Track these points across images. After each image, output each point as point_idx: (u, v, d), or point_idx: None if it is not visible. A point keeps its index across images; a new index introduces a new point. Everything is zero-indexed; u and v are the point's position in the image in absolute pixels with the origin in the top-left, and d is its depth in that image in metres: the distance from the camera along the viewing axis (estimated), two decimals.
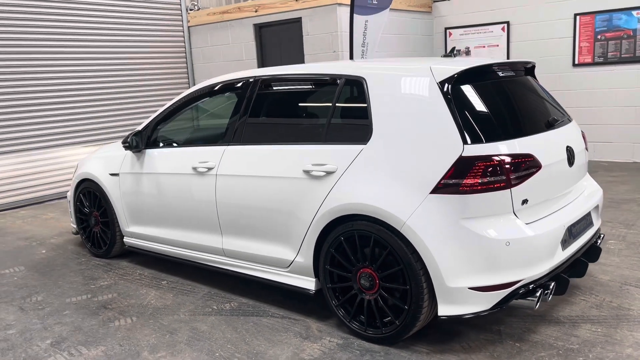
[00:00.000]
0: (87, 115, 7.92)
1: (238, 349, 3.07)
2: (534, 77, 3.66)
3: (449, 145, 2.77)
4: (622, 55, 7.59)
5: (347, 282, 3.13)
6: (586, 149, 3.51)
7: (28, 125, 7.30)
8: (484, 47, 8.79)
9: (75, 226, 5.07)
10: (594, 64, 7.83)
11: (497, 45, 8.65)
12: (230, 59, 8.79)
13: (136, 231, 4.45)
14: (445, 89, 2.89)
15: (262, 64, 8.47)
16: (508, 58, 8.53)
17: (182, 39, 9.15)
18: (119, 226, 4.61)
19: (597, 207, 3.42)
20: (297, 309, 3.54)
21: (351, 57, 6.99)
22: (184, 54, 9.20)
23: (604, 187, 6.36)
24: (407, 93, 2.99)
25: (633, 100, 7.59)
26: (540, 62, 8.25)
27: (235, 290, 3.92)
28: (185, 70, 9.27)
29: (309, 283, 3.34)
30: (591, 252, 3.39)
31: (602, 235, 3.58)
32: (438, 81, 2.92)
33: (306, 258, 3.29)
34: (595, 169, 7.46)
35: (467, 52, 8.98)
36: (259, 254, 3.54)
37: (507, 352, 2.90)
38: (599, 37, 7.73)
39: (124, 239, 4.63)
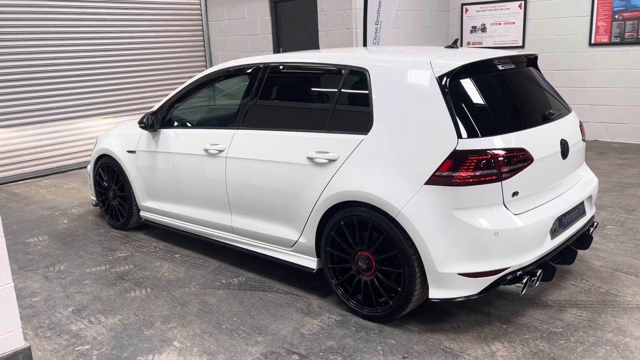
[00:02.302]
0: (107, 88, 8.14)
1: (243, 322, 3.32)
2: (537, 68, 3.73)
3: (444, 138, 2.91)
4: (639, 36, 7.50)
5: (346, 263, 3.33)
6: (583, 140, 3.61)
7: (50, 97, 7.54)
8: (500, 24, 8.73)
9: (94, 198, 5.34)
10: (610, 44, 7.75)
11: (514, 23, 8.58)
12: (246, 33, 8.87)
13: (151, 206, 4.70)
14: (443, 83, 3.01)
15: (277, 39, 8.55)
16: (524, 35, 8.48)
17: (199, 12, 9.24)
18: (135, 200, 4.86)
19: (590, 197, 3.54)
20: (300, 285, 3.77)
21: (365, 35, 7.04)
22: (201, 27, 9.30)
23: (612, 169, 6.42)
24: (407, 86, 3.11)
25: None
26: (556, 41, 8.19)
27: (243, 265, 4.16)
28: (202, 43, 9.39)
29: (311, 262, 3.55)
30: (583, 240, 3.54)
31: (595, 224, 3.70)
32: (437, 75, 3.03)
33: (309, 239, 3.49)
34: (606, 150, 7.49)
35: (483, 29, 8.93)
36: (266, 233, 3.75)
37: (494, 333, 3.09)
38: (616, 16, 7.63)
39: (140, 213, 4.88)
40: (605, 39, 7.79)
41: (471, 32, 9.08)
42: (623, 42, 7.65)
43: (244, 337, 3.15)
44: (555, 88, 8.10)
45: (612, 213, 4.93)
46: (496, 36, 8.82)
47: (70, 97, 7.76)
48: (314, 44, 8.06)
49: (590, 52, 7.95)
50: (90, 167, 5.33)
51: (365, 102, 3.26)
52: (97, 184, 5.24)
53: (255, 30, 8.72)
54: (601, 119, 8.05)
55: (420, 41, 8.73)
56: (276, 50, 8.63)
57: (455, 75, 3.05)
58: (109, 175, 5.07)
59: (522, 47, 8.52)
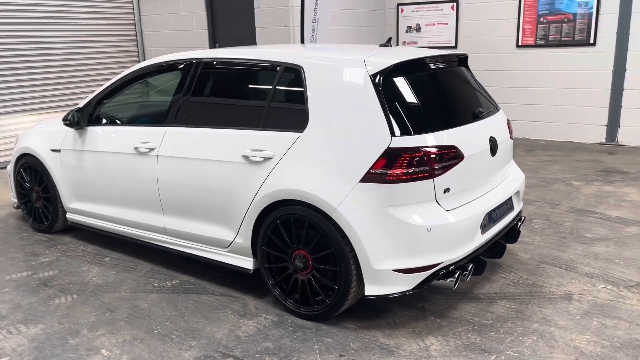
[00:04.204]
0: (30, 83, 7.68)
1: (176, 326, 3.21)
2: (468, 67, 3.83)
3: (377, 136, 2.93)
4: (562, 39, 7.90)
5: (283, 262, 3.29)
6: (511, 137, 3.74)
7: None
8: (434, 24, 8.96)
9: (16, 200, 5.02)
10: (536, 45, 8.13)
11: (447, 24, 8.82)
12: (181, 28, 8.64)
13: (79, 207, 4.46)
14: (377, 82, 3.02)
15: (213, 35, 8.38)
16: (457, 36, 8.74)
17: (131, 5, 8.90)
18: (61, 202, 4.60)
19: (518, 192, 3.68)
20: (237, 286, 3.69)
21: (302, 32, 7.02)
22: (133, 21, 8.96)
23: (539, 166, 6.73)
24: (341, 84, 3.11)
25: (570, 82, 7.96)
26: (487, 42, 8.50)
27: (177, 267, 4.03)
28: (135, 37, 9.06)
29: (247, 263, 3.48)
30: (511, 234, 3.67)
31: (522, 218, 3.86)
32: (371, 74, 3.04)
33: (245, 239, 3.42)
34: (533, 147, 7.85)
35: (418, 29, 9.13)
36: (200, 234, 3.65)
37: (428, 327, 3.14)
38: (541, 19, 8.00)
39: (67, 215, 4.64)
40: (531, 41, 8.15)
41: (407, 31, 9.26)
42: (547, 44, 8.03)
43: (177, 342, 3.04)
44: (485, 87, 8.36)
45: (539, 207, 5.16)
46: (430, 36, 9.04)
47: None
48: (251, 41, 7.95)
49: (518, 53, 8.30)
50: (10, 167, 5.00)
51: (300, 99, 3.23)
52: (19, 185, 4.92)
53: (191, 25, 8.51)
54: (528, 118, 8.42)
55: (357, 40, 8.81)
56: (212, 46, 8.45)
57: (389, 73, 3.08)
58: (32, 176, 4.78)
59: (455, 47, 8.78)
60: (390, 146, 2.89)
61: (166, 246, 3.91)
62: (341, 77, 3.12)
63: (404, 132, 2.94)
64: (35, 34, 7.64)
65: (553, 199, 5.41)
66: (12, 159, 4.93)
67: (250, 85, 3.74)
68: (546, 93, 8.19)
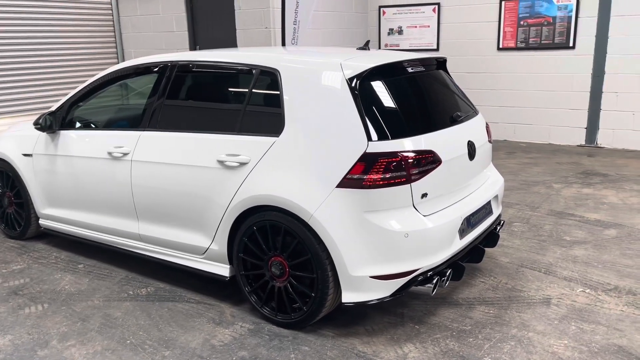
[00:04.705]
0: (5, 85, 7.52)
1: (150, 336, 3.13)
2: (446, 71, 3.80)
3: (354, 141, 2.88)
4: (542, 42, 7.96)
5: (260, 269, 3.23)
6: (489, 141, 3.72)
7: None
8: (416, 27, 8.96)
9: None
10: (516, 48, 8.17)
11: (429, 26, 8.84)
12: (160, 29, 8.53)
13: (52, 213, 4.36)
14: (353, 85, 2.98)
15: (193, 36, 8.29)
16: (438, 39, 8.75)
17: (110, 6, 8.77)
18: (33, 208, 4.49)
19: (497, 196, 3.66)
20: (213, 294, 3.62)
21: (283, 34, 6.97)
22: (112, 22, 8.83)
23: (519, 168, 6.75)
24: (318, 87, 3.06)
25: (550, 85, 8.01)
26: (468, 45, 8.52)
27: (153, 274, 3.95)
28: (114, 39, 8.93)
29: (223, 270, 3.41)
30: (490, 238, 3.65)
31: (502, 222, 3.84)
32: (347, 77, 3.00)
33: (221, 246, 3.35)
34: (514, 149, 7.88)
35: (400, 32, 9.13)
36: (175, 240, 3.57)
37: (407, 334, 3.11)
38: (521, 22, 8.05)
39: (40, 221, 4.52)
40: (512, 44, 8.19)
41: (389, 34, 9.26)
42: (528, 47, 8.08)
43: (150, 352, 2.96)
44: (466, 90, 8.38)
45: (519, 210, 5.17)
46: (412, 39, 9.05)
47: None
48: (232, 43, 7.87)
49: (499, 56, 8.33)
50: None
51: (276, 103, 3.17)
52: None
53: (171, 27, 8.40)
54: (509, 120, 8.46)
55: (340, 42, 8.78)
56: (192, 48, 8.36)
57: (366, 77, 3.03)
58: (3, 181, 4.65)
59: (437, 49, 8.80)
60: (367, 151, 2.85)
61: (141, 253, 3.82)
62: (317, 80, 3.07)
63: (381, 136, 2.91)
64: (8, 34, 7.48)
65: (533, 202, 5.42)
66: None
67: (225, 89, 3.68)
68: (527, 95, 8.24)
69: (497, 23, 8.22)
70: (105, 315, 3.38)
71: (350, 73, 3.01)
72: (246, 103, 3.30)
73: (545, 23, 7.88)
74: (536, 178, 6.32)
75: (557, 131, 8.12)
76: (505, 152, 7.75)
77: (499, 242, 4.22)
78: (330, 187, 2.90)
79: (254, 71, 3.32)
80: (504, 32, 8.20)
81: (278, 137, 3.10)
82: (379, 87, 3.09)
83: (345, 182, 2.87)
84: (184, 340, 3.07)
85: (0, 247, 4.56)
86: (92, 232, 4.10)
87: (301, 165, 3.00)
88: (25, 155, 4.39)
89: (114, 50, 8.94)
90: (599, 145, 7.84)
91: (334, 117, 2.97)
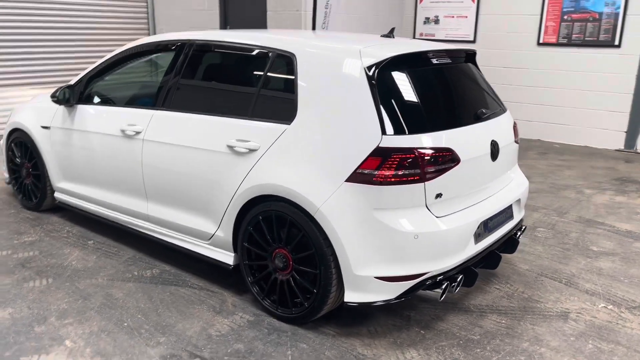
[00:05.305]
0: (37, 56, 7.58)
1: (148, 320, 3.07)
2: (475, 64, 3.59)
3: (367, 134, 2.73)
4: (586, 38, 7.56)
5: (263, 260, 3.13)
6: (516, 141, 3.51)
7: None
8: (453, 17, 8.65)
9: (7, 176, 4.93)
10: (557, 44, 7.79)
11: (466, 17, 8.51)
12: (192, 7, 8.45)
13: (66, 187, 4.35)
14: (371, 74, 2.82)
15: (224, 16, 8.18)
16: (476, 30, 8.43)
17: None
18: (49, 180, 4.49)
19: (519, 200, 3.45)
20: (217, 281, 3.55)
21: (314, 18, 6.81)
22: None
23: (550, 170, 6.46)
24: (334, 75, 2.91)
25: (591, 85, 7.63)
26: (506, 38, 8.18)
27: (160, 256, 3.89)
28: (146, 15, 8.90)
29: (228, 257, 3.32)
30: (508, 244, 3.45)
31: (523, 227, 3.64)
32: (366, 66, 2.84)
33: (226, 233, 3.26)
34: (547, 150, 7.56)
35: (436, 21, 8.83)
36: (182, 224, 3.50)
37: (411, 339, 2.96)
38: (565, 17, 7.66)
39: (55, 194, 4.52)
40: (553, 39, 7.82)
41: (424, 23, 8.97)
42: (570, 44, 7.69)
43: (145, 337, 2.90)
44: (501, 85, 8.06)
45: (545, 215, 4.92)
46: (448, 29, 8.74)
47: None
48: (262, 24, 7.74)
49: (538, 51, 7.97)
50: (2, 142, 4.91)
51: (290, 89, 3.04)
52: (10, 160, 4.82)
53: (202, 4, 8.31)
54: (544, 119, 8.12)
55: (372, 29, 8.54)
56: (223, 27, 8.25)
57: (385, 66, 2.86)
58: (22, 152, 4.67)
59: (473, 41, 8.48)
60: (380, 145, 2.70)
61: (148, 233, 3.77)
62: (334, 67, 2.92)
63: (397, 131, 2.74)
64: (42, 6, 7.51)
65: (561, 207, 5.16)
66: (5, 133, 4.82)
67: (240, 72, 3.55)
68: (565, 94, 7.87)
69: (539, 17, 7.84)
70: (107, 295, 3.34)
71: (369, 61, 2.85)
72: (260, 87, 3.17)
73: (591, 19, 7.48)
74: (567, 182, 6.03)
75: (595, 133, 7.74)
76: (537, 152, 7.44)
77: (519, 247, 4.01)
78: (339, 180, 2.76)
79: (270, 54, 3.19)
80: (546, 26, 7.83)
81: (289, 124, 2.97)
82: (399, 78, 2.92)
83: (355, 177, 2.72)
84: (181, 328, 3.00)
85: (16, 217, 4.59)
86: (102, 208, 4.07)
87: (311, 156, 2.87)
88: (43, 127, 4.38)
89: (146, 26, 8.92)
90: (639, 151, 7.45)
91: (349, 107, 2.82)
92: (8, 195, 5.11)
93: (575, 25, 7.62)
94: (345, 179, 2.75)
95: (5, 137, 4.81)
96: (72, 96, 4.11)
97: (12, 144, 4.72)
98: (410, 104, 2.89)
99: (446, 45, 3.45)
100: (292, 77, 3.03)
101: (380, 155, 2.69)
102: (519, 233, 3.55)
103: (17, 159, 4.73)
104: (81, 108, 4.10)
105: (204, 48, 3.55)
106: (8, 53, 7.26)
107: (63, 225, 4.43)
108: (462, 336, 3.00)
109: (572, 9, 7.59)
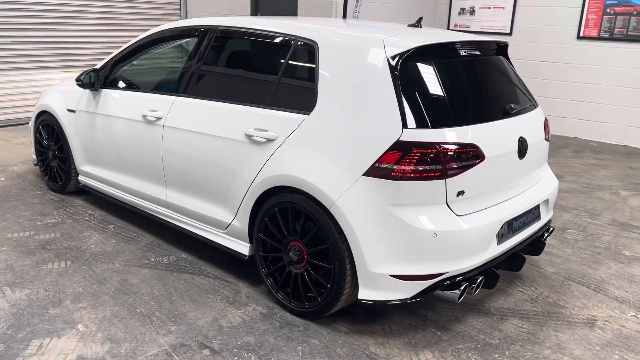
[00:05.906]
0: (70, 40, 7.68)
1: (161, 307, 3.06)
2: (507, 57, 3.43)
3: (387, 127, 2.63)
4: (629, 33, 7.22)
5: (278, 252, 3.07)
6: (546, 139, 3.34)
7: (7, 45, 7.08)
8: (490, 8, 8.38)
9: (35, 157, 5.00)
10: (598, 38, 7.46)
11: (503, 8, 8.24)
12: None
13: (89, 171, 4.38)
14: (394, 65, 2.70)
15: (255, 3, 8.12)
16: (512, 22, 8.15)
17: None
18: (74, 163, 4.53)
19: (547, 200, 3.30)
20: (233, 271, 3.51)
21: (345, 7, 6.69)
22: None
23: (585, 169, 6.21)
24: (356, 64, 2.81)
25: (632, 81, 7.29)
26: (545, 31, 7.89)
27: (178, 243, 3.88)
28: (178, 0, 8.91)
29: (243, 247, 3.28)
30: (534, 246, 3.31)
31: (550, 229, 3.48)
32: (389, 56, 2.73)
33: (242, 223, 3.22)
34: (582, 148, 7.28)
35: (472, 12, 8.58)
36: (200, 212, 3.47)
37: (426, 340, 2.87)
38: (608, 10, 7.33)
39: (79, 177, 4.56)
40: (594, 33, 7.50)
41: (459, 14, 8.72)
42: (612, 38, 7.36)
43: (157, 325, 2.89)
44: (538, 80, 7.79)
45: (576, 216, 4.73)
46: (484, 20, 8.48)
47: (29, 47, 7.29)
48: (293, 12, 7.65)
49: (578, 45, 7.65)
50: (31, 124, 4.97)
51: (311, 78, 2.95)
52: (38, 142, 4.89)
53: None
54: (582, 116, 7.82)
55: (405, 19, 8.34)
56: (253, 14, 8.20)
57: (410, 56, 2.75)
58: (49, 134, 4.72)
59: (510, 34, 8.20)
60: (400, 139, 2.59)
61: (166, 220, 3.76)
62: (356, 57, 2.82)
63: (420, 124, 2.63)
64: None
65: (594, 208, 4.95)
66: (33, 115, 4.89)
67: (261, 59, 3.48)
68: (604, 90, 7.55)
69: (580, 9, 7.52)
70: (122, 280, 3.34)
71: (393, 51, 2.74)
72: (280, 76, 3.10)
73: (635, 13, 7.13)
74: (602, 182, 5.78)
75: (635, 132, 7.41)
76: (571, 150, 7.17)
77: (546, 249, 3.86)
78: (356, 174, 2.67)
79: (292, 42, 3.11)
80: (587, 19, 7.50)
81: (309, 114, 2.89)
82: (425, 69, 2.80)
83: (373, 171, 2.63)
84: (193, 317, 2.98)
85: (40, 199, 4.65)
86: (123, 193, 4.08)
87: (329, 148, 2.78)
88: (69, 110, 4.42)
89: (178, 11, 8.93)
90: None
91: (370, 98, 2.72)
92: (36, 177, 5.19)
93: (618, 18, 7.28)
94: (362, 173, 2.66)
95: (33, 119, 4.87)
96: (97, 80, 4.12)
97: (40, 127, 4.78)
98: (434, 96, 2.77)
99: (475, 36, 3.30)
100: (313, 65, 2.95)
101: (400, 150, 2.59)
102: (545, 235, 3.40)
103: (45, 141, 4.79)
104: (105, 92, 4.11)
105: (226, 34, 3.49)
106: (39, 36, 7.37)
107: (85, 209, 4.47)
108: (480, 340, 2.88)
109: (616, 2, 7.25)
